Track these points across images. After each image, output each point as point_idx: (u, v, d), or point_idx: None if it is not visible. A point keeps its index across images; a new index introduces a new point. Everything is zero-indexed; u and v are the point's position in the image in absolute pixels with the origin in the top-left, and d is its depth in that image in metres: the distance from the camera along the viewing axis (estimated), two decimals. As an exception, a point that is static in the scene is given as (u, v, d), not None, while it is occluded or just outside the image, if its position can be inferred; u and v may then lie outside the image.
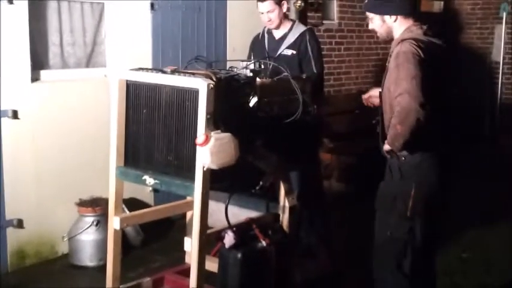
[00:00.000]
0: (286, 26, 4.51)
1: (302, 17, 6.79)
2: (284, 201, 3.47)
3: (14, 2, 4.38)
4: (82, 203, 4.77)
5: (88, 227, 4.70)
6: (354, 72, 8.14)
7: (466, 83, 9.41)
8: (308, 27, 4.61)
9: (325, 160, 7.06)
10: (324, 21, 7.52)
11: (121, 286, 3.58)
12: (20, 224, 4.60)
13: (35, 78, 4.69)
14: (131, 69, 3.34)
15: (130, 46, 5.19)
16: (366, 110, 4.92)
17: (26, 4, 4.50)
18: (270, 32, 4.54)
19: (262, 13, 4.41)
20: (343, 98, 7.94)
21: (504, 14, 9.42)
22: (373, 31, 3.63)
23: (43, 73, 4.80)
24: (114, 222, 3.47)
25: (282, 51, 4.48)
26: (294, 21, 4.60)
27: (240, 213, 3.47)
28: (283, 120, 3.35)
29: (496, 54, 9.67)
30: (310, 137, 4.25)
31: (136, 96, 3.37)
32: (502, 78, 9.64)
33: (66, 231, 4.78)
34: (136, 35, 5.25)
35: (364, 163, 7.02)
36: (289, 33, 4.49)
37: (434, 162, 3.30)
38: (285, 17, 4.49)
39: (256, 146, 3.25)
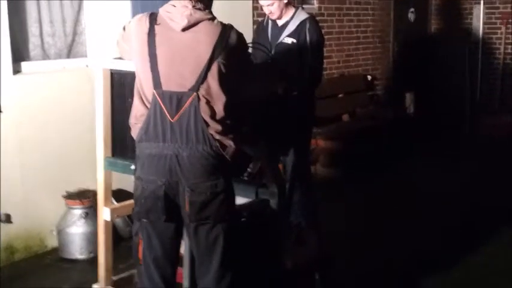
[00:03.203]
0: (289, 13, 4.52)
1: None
2: (273, 187, 3.47)
3: (-9, -7, 4.32)
4: (69, 196, 4.75)
5: (76, 220, 4.67)
6: (335, 56, 8.14)
7: (445, 66, 9.51)
8: (309, 16, 4.58)
9: (311, 145, 7.08)
10: (304, 6, 7.47)
11: (113, 277, 3.58)
12: (8, 218, 4.57)
13: (16, 70, 4.63)
14: (115, 58, 3.31)
15: (110, 35, 5.13)
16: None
17: (4, -4, 4.45)
18: (274, 19, 4.55)
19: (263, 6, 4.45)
20: (326, 82, 7.92)
21: (482, -6, 9.50)
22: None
23: (24, 65, 4.74)
24: (105, 213, 3.46)
25: (283, 39, 4.48)
26: (297, 8, 4.59)
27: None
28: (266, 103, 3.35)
29: (474, 35, 9.73)
30: (299, 122, 4.29)
31: (121, 85, 3.35)
32: (481, 59, 9.70)
33: (55, 224, 4.75)
34: (116, 24, 5.18)
35: (348, 148, 7.07)
36: (291, 21, 4.50)
37: None
38: (288, 4, 4.48)
39: (242, 132, 3.24)
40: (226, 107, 2.76)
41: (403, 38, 9.33)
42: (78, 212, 4.68)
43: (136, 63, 2.83)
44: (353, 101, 8.33)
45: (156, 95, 2.71)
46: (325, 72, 7.97)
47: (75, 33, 5.18)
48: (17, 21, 4.73)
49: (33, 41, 4.90)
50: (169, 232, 2.82)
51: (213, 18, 2.80)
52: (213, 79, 2.72)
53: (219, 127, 2.74)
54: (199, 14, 2.75)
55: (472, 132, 9.14)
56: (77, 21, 5.18)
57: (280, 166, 4.17)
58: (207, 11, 2.79)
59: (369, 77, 8.74)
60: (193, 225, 2.77)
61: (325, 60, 7.89)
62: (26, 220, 4.67)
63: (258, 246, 3.31)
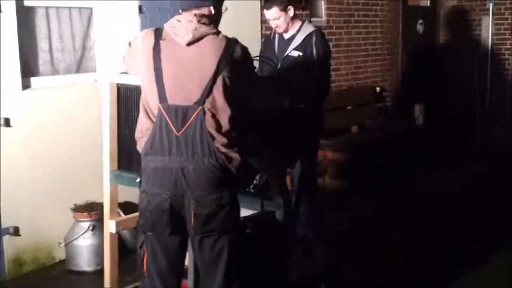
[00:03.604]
0: (295, 27, 4.56)
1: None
2: (278, 199, 3.49)
3: (1, 10, 4.38)
4: (77, 208, 4.78)
5: (84, 232, 4.71)
6: (344, 69, 8.17)
7: (455, 77, 9.51)
8: (315, 29, 4.61)
9: (318, 157, 7.09)
10: (312, 19, 7.53)
11: (119, 289, 3.61)
12: (16, 231, 4.61)
13: (25, 85, 4.69)
14: (121, 73, 3.36)
15: (119, 50, 5.19)
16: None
17: (14, 12, 4.50)
18: (280, 33, 4.59)
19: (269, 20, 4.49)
20: (334, 94, 7.95)
21: (491, 6, 9.49)
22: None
23: (33, 80, 4.80)
24: (110, 226, 3.49)
25: (289, 52, 4.52)
26: (303, 22, 4.62)
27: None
28: (272, 116, 3.38)
29: (483, 46, 9.73)
30: (306, 134, 4.31)
31: (127, 100, 3.39)
32: (490, 70, 9.70)
33: (63, 237, 4.79)
34: (125, 39, 5.24)
35: (357, 159, 7.07)
36: (297, 34, 4.54)
37: None
38: (294, 17, 4.52)
39: (248, 144, 3.27)
40: (232, 119, 2.79)
41: (412, 50, 9.35)
42: (85, 224, 4.71)
43: (142, 78, 2.88)
44: (362, 112, 8.35)
45: (162, 108, 2.75)
46: (333, 85, 8.00)
47: (84, 48, 5.24)
48: (27, 37, 4.79)
49: (43, 56, 4.96)
50: (174, 245, 2.84)
51: (218, 33, 2.84)
52: (218, 92, 2.75)
53: (224, 140, 2.77)
54: (204, 29, 2.79)
55: (482, 143, 9.12)
56: (86, 36, 5.23)
57: (288, 178, 4.19)
58: (212, 25, 2.83)
59: (378, 89, 8.75)
60: (198, 237, 2.79)
61: (333, 73, 8.01)
62: (35, 233, 4.71)
63: (264, 258, 3.33)
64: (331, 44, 7.84)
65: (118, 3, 5.16)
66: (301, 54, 4.50)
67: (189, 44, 2.78)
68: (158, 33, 2.85)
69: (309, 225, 4.44)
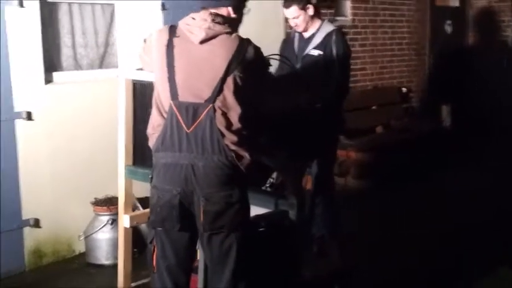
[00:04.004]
0: (315, 26, 4.53)
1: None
2: (292, 198, 3.49)
3: (24, 5, 4.44)
4: (97, 202, 4.84)
5: (103, 226, 4.76)
6: (369, 68, 8.13)
7: (483, 78, 9.39)
8: (335, 28, 4.59)
9: (341, 157, 7.07)
10: (337, 18, 7.52)
11: (132, 284, 3.64)
12: (36, 223, 4.68)
13: (48, 80, 4.76)
14: (137, 69, 3.38)
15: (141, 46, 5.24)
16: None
17: (37, 7, 4.57)
18: (300, 32, 4.58)
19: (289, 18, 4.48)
20: (358, 94, 7.94)
21: (521, 7, 9.38)
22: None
23: (56, 75, 4.87)
24: (124, 221, 3.53)
25: (309, 51, 4.50)
26: (323, 21, 4.60)
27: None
28: (288, 116, 3.38)
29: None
30: (323, 134, 4.30)
31: (143, 96, 3.42)
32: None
33: (83, 230, 4.85)
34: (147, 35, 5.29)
35: (381, 160, 7.02)
36: (317, 33, 4.51)
37: None
38: (314, 16, 4.51)
39: (262, 143, 3.27)
40: (242, 118, 2.79)
41: (439, 50, 9.26)
42: (105, 218, 4.77)
43: (155, 74, 2.90)
44: (387, 113, 8.29)
45: (173, 105, 2.77)
46: (358, 84, 7.98)
47: (107, 44, 5.30)
48: (50, 32, 4.86)
49: (66, 52, 5.03)
50: (183, 241, 2.86)
51: (231, 32, 2.84)
52: (228, 91, 2.76)
53: (234, 138, 2.77)
54: (217, 28, 2.80)
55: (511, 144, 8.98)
56: (109, 32, 5.29)
57: (309, 178, 4.19)
58: (226, 25, 2.83)
59: (404, 89, 8.69)
60: (207, 234, 2.80)
61: (358, 72, 7.98)
62: (55, 225, 4.78)
63: (276, 257, 3.33)
64: (356, 43, 7.83)
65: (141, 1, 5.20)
66: (321, 53, 4.48)
67: (202, 42, 2.79)
68: (172, 30, 2.87)
69: (325, 226, 4.42)
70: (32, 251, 4.69)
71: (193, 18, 2.84)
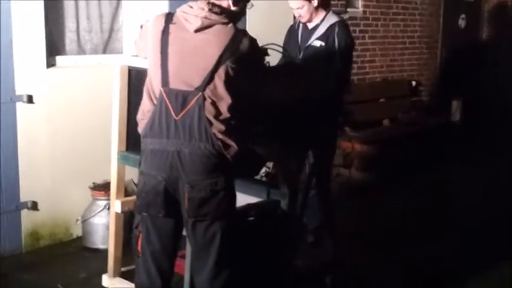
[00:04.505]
0: (319, 16, 4.51)
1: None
2: (284, 188, 3.49)
3: (28, -12, 4.46)
4: (95, 187, 4.86)
5: (101, 211, 4.78)
6: (379, 61, 8.07)
7: (496, 73, 9.28)
8: (339, 19, 4.57)
9: (346, 149, 7.05)
10: (348, 9, 7.47)
11: (122, 269, 3.65)
12: (34, 206, 4.70)
13: (50, 63, 4.76)
14: (133, 55, 3.39)
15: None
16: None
17: (41, -10, 4.59)
18: (304, 22, 4.57)
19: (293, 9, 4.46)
20: (367, 86, 7.90)
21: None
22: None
23: (59, 59, 4.88)
24: (116, 206, 3.54)
25: (312, 42, 4.48)
26: (328, 12, 4.57)
27: (241, 199, 3.50)
28: (283, 106, 3.36)
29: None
30: (321, 125, 4.28)
31: (138, 82, 3.42)
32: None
33: (80, 214, 4.87)
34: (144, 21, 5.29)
35: (386, 153, 6.99)
36: (321, 24, 4.49)
37: None
38: (319, 7, 4.48)
39: (256, 133, 3.27)
40: (231, 108, 2.79)
41: (452, 45, 9.17)
42: (102, 203, 4.78)
43: (149, 60, 2.91)
44: (395, 106, 8.24)
45: (163, 92, 2.77)
46: (367, 76, 7.94)
47: (112, 29, 5.30)
48: (54, 16, 4.87)
49: (70, 36, 5.03)
50: (168, 227, 2.87)
51: (228, 23, 2.83)
52: (219, 81, 2.76)
53: (222, 127, 2.77)
54: (214, 17, 2.80)
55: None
56: (114, 18, 5.29)
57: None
58: (223, 15, 2.83)
59: (414, 83, 8.63)
60: (191, 221, 2.81)
61: (368, 64, 7.94)
62: (53, 208, 4.80)
63: (267, 247, 3.34)
64: (366, 35, 7.78)
65: (148, -14, 5.20)
66: (323, 44, 4.45)
67: (197, 30, 2.79)
68: (169, 18, 2.88)
69: (319, 217, 4.41)
70: (30, 233, 4.72)
71: (191, 7, 2.84)
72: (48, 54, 4.73)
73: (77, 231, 4.95)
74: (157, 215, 2.81)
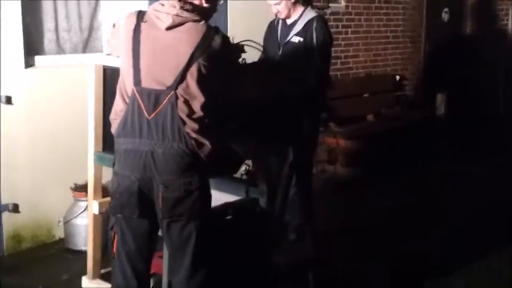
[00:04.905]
0: (297, 12, 4.51)
1: (308, 0, 6.72)
2: (262, 186, 3.47)
3: (5, -12, 4.43)
4: (76, 188, 4.82)
5: (82, 212, 4.74)
6: (362, 56, 8.06)
7: (480, 67, 9.31)
8: (316, 14, 4.56)
9: (331, 144, 7.05)
10: (330, 4, 7.45)
11: (102, 271, 3.63)
12: (15, 208, 4.67)
13: (29, 64, 4.73)
14: (107, 54, 3.36)
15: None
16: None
17: (18, -10, 4.55)
18: (282, 18, 4.55)
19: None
20: (350, 81, 7.89)
21: (519, -5, 9.29)
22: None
23: (38, 59, 4.84)
24: (93, 207, 3.51)
25: (290, 38, 4.48)
26: (306, 7, 4.56)
27: (220, 198, 3.49)
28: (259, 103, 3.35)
29: (510, 36, 9.52)
30: (300, 122, 4.27)
31: (113, 81, 3.39)
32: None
33: (62, 215, 4.84)
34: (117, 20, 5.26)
35: (370, 148, 6.99)
36: (299, 20, 4.49)
37: None
38: (296, 2, 4.47)
39: (231, 130, 3.25)
40: (204, 106, 2.78)
41: (435, 38, 9.18)
42: (84, 204, 4.72)
43: (121, 59, 2.89)
44: (379, 101, 8.23)
45: (135, 91, 2.75)
46: (351, 72, 7.93)
47: (91, 28, 5.26)
48: (32, 17, 4.82)
49: (48, 36, 4.99)
50: (143, 228, 2.85)
51: (200, 20, 2.82)
52: (192, 79, 2.74)
53: (195, 126, 2.76)
54: (186, 15, 2.78)
55: (505, 134, 8.92)
56: (93, 16, 5.26)
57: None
58: (195, 13, 2.81)
59: (397, 77, 8.63)
60: (166, 221, 2.79)
61: (351, 60, 7.93)
62: (34, 210, 4.77)
63: (245, 245, 3.32)
64: (349, 30, 7.77)
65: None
66: (301, 40, 4.45)
67: (169, 28, 2.78)
68: (141, 16, 2.86)
69: (300, 214, 4.40)
70: (11, 236, 4.69)
71: (163, 5, 2.83)
72: (27, 54, 4.69)
73: (59, 233, 4.91)
74: (132, 216, 2.80)
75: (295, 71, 4.31)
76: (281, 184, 4.01)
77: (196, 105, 2.76)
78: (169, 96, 2.72)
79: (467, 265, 4.53)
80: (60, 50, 5.09)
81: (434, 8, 9.16)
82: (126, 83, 2.81)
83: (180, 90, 2.73)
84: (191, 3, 2.82)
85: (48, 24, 4.99)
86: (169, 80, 2.73)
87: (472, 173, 6.81)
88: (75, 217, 4.76)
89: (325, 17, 6.72)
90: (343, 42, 7.71)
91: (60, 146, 4.85)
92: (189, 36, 2.77)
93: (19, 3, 4.57)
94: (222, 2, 2.98)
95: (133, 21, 2.85)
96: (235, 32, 5.57)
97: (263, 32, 4.77)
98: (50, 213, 4.85)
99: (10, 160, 4.58)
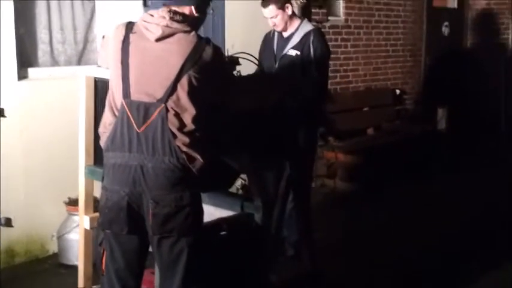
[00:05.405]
0: (294, 25, 4.45)
1: (306, 14, 6.68)
2: (257, 201, 3.40)
3: (-1, -1, 4.39)
4: (70, 202, 4.75)
5: (76, 226, 4.66)
6: (362, 69, 8.01)
7: (481, 81, 9.25)
8: (314, 27, 4.51)
9: (330, 159, 6.98)
10: (330, 18, 7.41)
11: (93, 286, 3.56)
12: (8, 222, 4.60)
13: (22, 76, 4.68)
14: (98, 66, 3.30)
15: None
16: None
17: (11, 2, 4.51)
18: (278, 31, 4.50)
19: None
20: (351, 95, 7.83)
21: (520, 9, 9.25)
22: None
23: (31, 71, 4.79)
24: (84, 222, 3.44)
25: (287, 51, 4.42)
26: (302, 20, 4.51)
27: (215, 213, 3.42)
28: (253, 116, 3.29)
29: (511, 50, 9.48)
30: (297, 136, 4.21)
31: (104, 94, 3.32)
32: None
33: (56, 229, 4.77)
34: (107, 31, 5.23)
35: (370, 162, 6.91)
36: (296, 33, 4.43)
37: None
38: (293, 15, 4.42)
39: (225, 144, 3.18)
40: (196, 119, 2.71)
41: (436, 52, 9.13)
42: (78, 218, 4.66)
43: (110, 71, 2.82)
44: (379, 115, 8.17)
45: (124, 104, 2.68)
46: (350, 85, 7.88)
47: (86, 40, 5.21)
48: (26, 28, 4.78)
49: (43, 48, 4.95)
50: (132, 244, 2.77)
51: (190, 31, 2.75)
52: (182, 91, 2.67)
53: (186, 139, 2.68)
54: (175, 26, 2.72)
55: (506, 149, 8.85)
56: (88, 28, 5.21)
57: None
58: (185, 23, 2.75)
59: (398, 91, 8.57)
60: (156, 238, 2.71)
61: (351, 73, 7.88)
62: (28, 224, 4.70)
63: (240, 261, 3.25)
64: (348, 43, 7.72)
65: (123, -4, 5.13)
66: (298, 53, 4.38)
67: (158, 39, 2.71)
68: (130, 27, 2.80)
69: (296, 229, 4.32)
70: (4, 251, 4.61)
71: (152, 15, 2.77)
72: (20, 66, 4.65)
73: (53, 248, 4.84)
74: (121, 232, 2.72)
75: (292, 84, 4.24)
76: (278, 199, 3.96)
77: (188, 118, 2.69)
78: (159, 109, 2.65)
79: (467, 281, 4.47)
80: (54, 62, 5.04)
81: (434, 21, 9.13)
82: (115, 95, 2.75)
83: (170, 103, 2.66)
84: (181, 14, 2.76)
85: (42, 36, 4.94)
86: (160, 93, 2.66)
87: (473, 188, 6.74)
88: (69, 232, 4.68)
89: (324, 30, 6.69)
90: (342, 56, 7.66)
91: (54, 160, 4.78)
92: (179, 47, 2.70)
93: (12, 16, 4.52)
94: (211, 11, 2.91)
95: (122, 32, 2.79)
96: (233, 42, 5.63)
97: (260, 41, 4.71)
98: (43, 227, 4.78)
99: (3, 173, 4.51)
